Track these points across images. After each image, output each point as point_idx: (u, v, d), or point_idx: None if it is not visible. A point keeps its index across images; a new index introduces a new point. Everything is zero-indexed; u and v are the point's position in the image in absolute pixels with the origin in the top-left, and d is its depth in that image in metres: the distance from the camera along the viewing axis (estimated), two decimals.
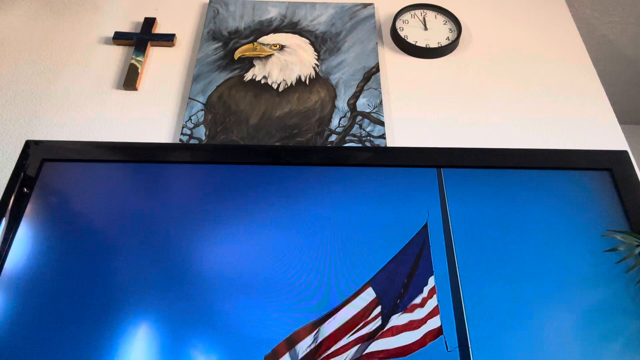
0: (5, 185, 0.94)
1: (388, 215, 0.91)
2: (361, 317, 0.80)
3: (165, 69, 1.18)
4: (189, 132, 1.05)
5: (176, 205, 0.92)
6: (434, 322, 0.80)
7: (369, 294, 0.82)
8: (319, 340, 0.78)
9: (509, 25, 1.30)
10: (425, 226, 0.90)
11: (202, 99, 1.10)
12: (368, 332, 0.79)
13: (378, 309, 0.81)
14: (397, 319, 0.80)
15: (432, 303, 0.82)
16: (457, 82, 1.18)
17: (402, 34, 1.24)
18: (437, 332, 0.79)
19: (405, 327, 0.80)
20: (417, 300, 0.82)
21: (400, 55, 1.23)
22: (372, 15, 1.28)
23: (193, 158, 0.98)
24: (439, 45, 1.22)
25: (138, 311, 0.82)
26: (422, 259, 0.86)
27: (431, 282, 0.84)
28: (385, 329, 0.79)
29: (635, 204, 0.93)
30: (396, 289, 0.83)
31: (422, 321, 0.80)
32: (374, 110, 1.09)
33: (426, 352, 0.78)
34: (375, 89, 1.13)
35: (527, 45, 1.26)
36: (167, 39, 1.22)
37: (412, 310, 0.81)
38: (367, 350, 0.78)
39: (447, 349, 0.78)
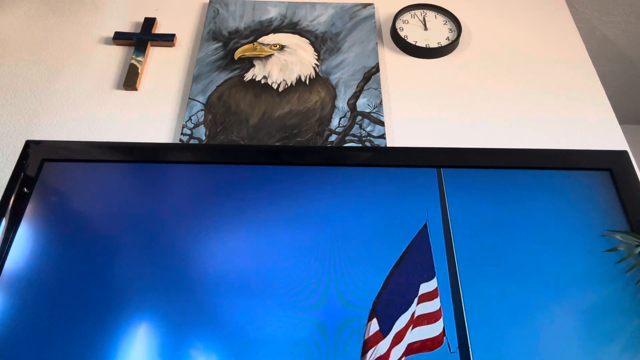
0: (5, 185, 0.94)
1: (388, 215, 0.91)
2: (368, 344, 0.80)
3: (165, 69, 1.18)
4: (189, 132, 1.05)
5: (176, 205, 0.92)
6: (437, 327, 0.80)
7: (374, 325, 0.82)
8: None
9: (509, 25, 1.30)
10: (425, 227, 0.90)
11: (202, 99, 1.10)
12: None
13: (376, 327, 0.81)
14: (398, 324, 0.80)
15: (435, 305, 0.82)
16: (457, 82, 1.18)
17: (402, 34, 1.24)
18: (441, 338, 0.79)
19: (404, 331, 0.80)
20: (414, 303, 0.82)
21: (400, 55, 1.23)
22: (372, 15, 1.28)
23: (193, 158, 0.98)
24: (439, 45, 1.22)
25: (138, 311, 0.81)
26: (424, 261, 0.86)
27: (433, 283, 0.84)
28: (390, 338, 0.79)
29: (635, 204, 0.93)
30: (399, 297, 0.83)
31: (416, 322, 0.80)
32: (374, 110, 1.09)
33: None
34: (375, 89, 1.13)
35: (527, 46, 1.26)
36: (167, 39, 1.22)
37: (412, 312, 0.81)
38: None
39: (450, 351, 0.78)
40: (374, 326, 0.80)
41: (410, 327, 0.80)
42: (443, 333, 0.79)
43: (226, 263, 0.86)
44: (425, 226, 0.90)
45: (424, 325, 0.80)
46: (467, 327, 0.80)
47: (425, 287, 0.83)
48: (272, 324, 0.81)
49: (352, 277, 0.85)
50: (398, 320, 0.80)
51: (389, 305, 0.82)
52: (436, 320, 0.80)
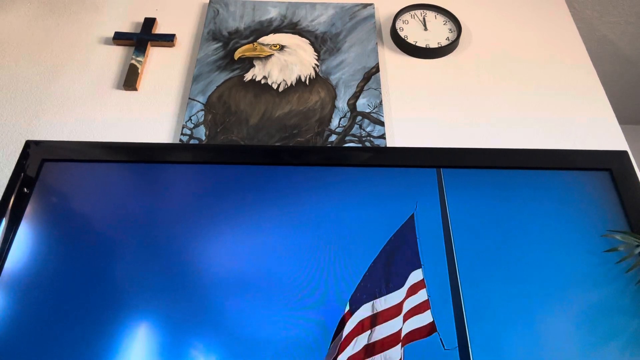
0: (5, 185, 0.94)
1: (388, 215, 0.91)
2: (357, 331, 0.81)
3: (165, 69, 1.18)
4: (189, 132, 1.05)
5: (176, 205, 0.92)
6: (425, 318, 0.80)
7: (364, 310, 0.82)
8: None
9: (509, 25, 1.30)
10: (412, 218, 0.90)
11: (202, 99, 1.10)
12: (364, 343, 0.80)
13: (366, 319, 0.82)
14: (381, 309, 0.81)
15: (420, 297, 0.82)
16: (457, 82, 1.18)
17: (402, 34, 1.24)
18: (430, 329, 0.79)
19: (388, 317, 0.80)
20: (400, 293, 0.82)
21: (400, 56, 1.23)
22: (372, 16, 1.28)
23: (193, 158, 0.98)
24: (439, 45, 1.22)
25: (138, 311, 0.82)
26: (406, 251, 0.86)
27: (417, 275, 0.84)
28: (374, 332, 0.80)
29: (635, 204, 0.93)
30: (377, 284, 0.83)
31: (406, 315, 0.80)
32: (373, 110, 1.09)
33: (425, 349, 0.78)
34: (375, 89, 1.13)
35: (527, 45, 1.26)
36: (167, 39, 1.22)
37: (395, 303, 0.82)
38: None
39: (443, 347, 0.78)
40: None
41: (401, 319, 0.80)
42: (433, 323, 0.80)
43: (226, 263, 0.86)
44: (412, 217, 0.90)
45: (413, 317, 0.80)
46: (467, 327, 0.80)
47: (413, 277, 0.84)
48: (272, 324, 0.81)
49: (351, 276, 0.85)
50: (374, 302, 0.81)
51: (359, 290, 0.83)
52: (425, 310, 0.81)
